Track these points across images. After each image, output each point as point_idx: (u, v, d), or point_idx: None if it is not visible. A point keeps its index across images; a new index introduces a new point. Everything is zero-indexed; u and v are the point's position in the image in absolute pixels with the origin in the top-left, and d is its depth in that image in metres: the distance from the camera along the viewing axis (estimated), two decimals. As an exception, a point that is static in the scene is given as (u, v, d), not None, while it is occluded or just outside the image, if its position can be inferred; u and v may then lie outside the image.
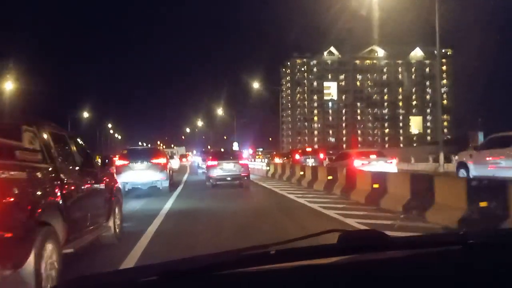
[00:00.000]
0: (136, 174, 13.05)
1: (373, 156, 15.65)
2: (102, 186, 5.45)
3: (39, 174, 3.60)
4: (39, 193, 3.50)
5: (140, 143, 79.95)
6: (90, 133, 62.73)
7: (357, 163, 14.61)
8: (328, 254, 1.15)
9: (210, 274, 1.02)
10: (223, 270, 1.04)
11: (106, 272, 1.13)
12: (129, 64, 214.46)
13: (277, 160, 32.56)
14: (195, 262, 1.08)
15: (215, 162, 14.79)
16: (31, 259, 3.07)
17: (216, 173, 14.61)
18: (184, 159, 44.39)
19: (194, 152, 60.47)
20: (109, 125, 79.80)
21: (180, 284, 0.99)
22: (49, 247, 3.36)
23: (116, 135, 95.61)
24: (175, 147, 65.16)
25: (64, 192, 3.91)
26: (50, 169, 3.83)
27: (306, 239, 1.22)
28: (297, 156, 26.08)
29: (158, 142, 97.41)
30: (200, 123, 73.42)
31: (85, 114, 55.64)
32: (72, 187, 4.27)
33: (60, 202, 3.80)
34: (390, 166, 14.66)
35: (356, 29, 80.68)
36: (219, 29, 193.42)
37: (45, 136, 4.01)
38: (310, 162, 24.22)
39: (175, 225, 7.36)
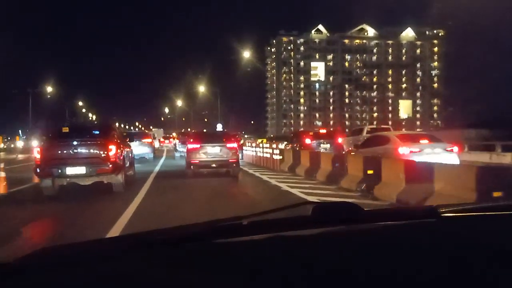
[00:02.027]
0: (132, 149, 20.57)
1: (424, 141, 12.47)
2: (129, 151, 12.37)
3: (119, 143, 10.51)
4: (121, 150, 10.39)
5: (117, 125, 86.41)
6: (56, 109, 62.32)
7: (404, 150, 11.75)
8: (301, 226, 1.23)
9: (182, 245, 1.09)
10: (195, 241, 1.12)
11: (72, 244, 1.18)
12: (105, 40, 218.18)
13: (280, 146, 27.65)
14: (166, 234, 1.17)
15: (197, 145, 14.11)
16: (121, 173, 10.02)
17: (198, 158, 13.95)
18: (166, 141, 50.07)
19: (174, 134, 63.90)
20: (80, 103, 78.36)
21: (151, 256, 1.05)
22: (122, 171, 10.29)
23: (90, 114, 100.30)
24: (153, 129, 71.49)
25: (123, 151, 10.79)
26: (119, 142, 10.71)
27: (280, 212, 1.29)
28: (307, 141, 22.56)
29: (137, 124, 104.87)
30: (180, 103, 77.15)
31: (50, 89, 53.69)
32: (124, 150, 11.12)
33: (124, 155, 10.71)
34: (450, 156, 11.65)
35: (345, 6, 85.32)
36: (202, 4, 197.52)
37: (117, 128, 11.06)
38: (324, 148, 21.13)
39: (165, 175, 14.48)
